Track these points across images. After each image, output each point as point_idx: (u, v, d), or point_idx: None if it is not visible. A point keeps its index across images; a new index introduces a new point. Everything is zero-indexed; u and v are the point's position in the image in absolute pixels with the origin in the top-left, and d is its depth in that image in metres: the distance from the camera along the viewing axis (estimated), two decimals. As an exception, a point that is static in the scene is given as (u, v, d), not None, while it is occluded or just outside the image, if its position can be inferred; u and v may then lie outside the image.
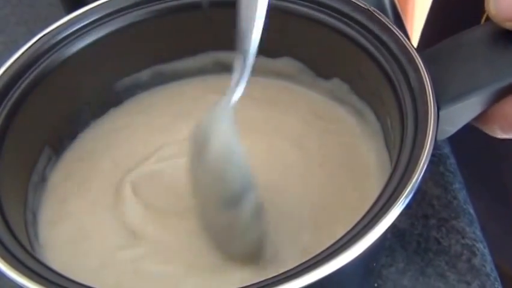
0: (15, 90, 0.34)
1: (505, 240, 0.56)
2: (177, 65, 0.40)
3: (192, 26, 0.39)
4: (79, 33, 0.36)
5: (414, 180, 0.27)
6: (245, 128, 0.32)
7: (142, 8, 0.37)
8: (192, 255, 0.33)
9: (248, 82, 0.30)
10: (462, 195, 0.42)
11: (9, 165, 0.33)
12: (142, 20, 0.37)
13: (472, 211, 0.41)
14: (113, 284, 0.32)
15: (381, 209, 0.26)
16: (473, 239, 0.39)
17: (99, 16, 0.37)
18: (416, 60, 0.31)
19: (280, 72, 0.40)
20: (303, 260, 0.25)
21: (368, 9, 0.34)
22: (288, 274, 0.25)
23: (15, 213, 0.32)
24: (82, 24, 0.36)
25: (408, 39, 0.32)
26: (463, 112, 0.30)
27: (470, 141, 0.42)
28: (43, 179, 0.37)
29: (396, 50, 0.32)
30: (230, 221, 0.31)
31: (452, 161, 0.44)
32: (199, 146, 0.31)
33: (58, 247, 0.34)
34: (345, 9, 0.34)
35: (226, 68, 0.41)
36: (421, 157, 0.27)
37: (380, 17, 0.33)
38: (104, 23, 0.37)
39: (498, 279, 0.38)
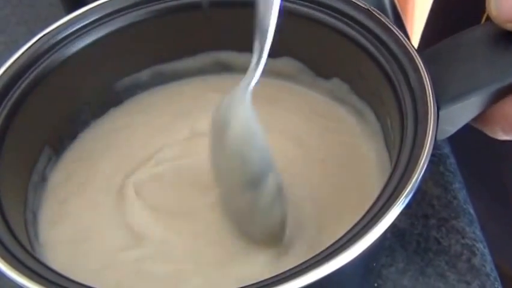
0: (15, 90, 0.34)
1: (505, 240, 0.56)
2: (177, 65, 0.40)
3: (192, 26, 0.39)
4: (79, 33, 0.36)
5: (414, 179, 0.27)
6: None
7: (142, 8, 0.37)
8: (194, 256, 0.33)
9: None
10: (462, 195, 0.42)
11: (9, 165, 0.33)
12: (142, 20, 0.38)
13: (472, 211, 0.41)
14: (114, 285, 0.32)
15: (381, 208, 0.26)
16: (473, 239, 0.39)
17: (99, 16, 0.37)
18: (416, 60, 0.31)
19: (280, 72, 0.40)
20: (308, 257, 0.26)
21: (368, 9, 0.34)
22: (288, 274, 0.25)
23: (15, 213, 0.32)
24: (82, 24, 0.36)
25: (408, 39, 0.32)
26: (463, 112, 0.30)
27: (470, 141, 0.42)
28: (43, 179, 0.37)
29: (396, 50, 0.32)
30: (252, 202, 0.32)
31: (452, 161, 0.44)
32: (219, 130, 0.31)
33: (58, 247, 0.34)
34: (345, 9, 0.34)
35: (226, 68, 0.41)
36: (421, 157, 0.27)
37: (380, 17, 0.33)
38: (104, 23, 0.37)
39: (498, 279, 0.38)
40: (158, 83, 0.41)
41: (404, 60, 0.31)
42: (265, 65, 0.40)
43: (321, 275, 0.25)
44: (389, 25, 0.33)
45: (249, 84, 0.31)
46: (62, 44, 0.36)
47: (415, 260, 0.38)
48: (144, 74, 0.40)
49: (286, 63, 0.39)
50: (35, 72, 0.35)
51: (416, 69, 0.30)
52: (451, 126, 0.31)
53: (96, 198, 0.36)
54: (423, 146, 0.28)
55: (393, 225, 0.26)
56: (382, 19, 0.33)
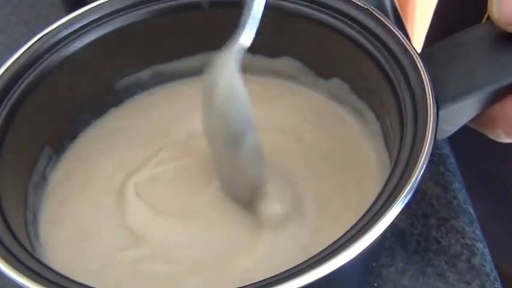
0: (15, 90, 0.34)
1: (505, 240, 0.56)
2: (177, 65, 0.40)
3: (192, 26, 0.39)
4: (79, 33, 0.36)
5: (413, 179, 0.27)
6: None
7: (142, 8, 0.37)
8: (193, 257, 0.33)
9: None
10: (462, 195, 0.42)
11: (9, 165, 0.33)
12: (142, 20, 0.38)
13: (471, 211, 0.41)
14: (113, 285, 0.32)
15: (380, 208, 0.26)
16: (473, 239, 0.39)
17: (99, 16, 0.37)
18: (416, 60, 0.31)
19: (280, 72, 0.40)
20: (303, 259, 0.25)
21: (368, 9, 0.34)
22: (288, 273, 0.25)
23: (15, 213, 0.32)
24: (82, 24, 0.36)
25: (409, 39, 0.32)
26: (463, 112, 0.30)
27: (470, 141, 0.42)
28: (43, 179, 0.37)
29: (396, 50, 0.32)
30: (234, 159, 0.33)
31: (452, 160, 0.44)
32: (208, 91, 0.32)
33: (59, 247, 0.34)
34: (345, 9, 0.34)
35: (226, 68, 0.41)
36: (421, 156, 0.27)
37: (380, 17, 0.33)
38: (104, 23, 0.37)
39: (498, 279, 0.38)
40: (158, 83, 0.41)
41: (404, 60, 0.31)
42: (265, 65, 0.40)
43: (320, 275, 0.25)
44: (389, 25, 0.33)
45: (236, 45, 0.31)
46: (62, 44, 0.36)
47: (415, 259, 0.38)
48: (144, 74, 0.40)
49: (286, 63, 0.39)
50: (35, 72, 0.35)
51: (416, 69, 0.30)
52: (451, 126, 0.31)
53: (96, 198, 0.36)
54: (423, 146, 0.28)
55: (393, 225, 0.26)
56: (382, 19, 0.33)
